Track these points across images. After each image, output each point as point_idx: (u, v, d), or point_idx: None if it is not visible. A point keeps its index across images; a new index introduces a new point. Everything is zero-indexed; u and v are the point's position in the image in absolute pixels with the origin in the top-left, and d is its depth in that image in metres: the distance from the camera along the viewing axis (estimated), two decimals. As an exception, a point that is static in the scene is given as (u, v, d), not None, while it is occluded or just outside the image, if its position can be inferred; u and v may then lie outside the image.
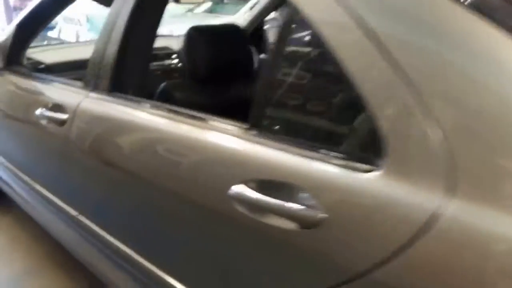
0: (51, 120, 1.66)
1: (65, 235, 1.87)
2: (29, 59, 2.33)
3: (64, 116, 1.58)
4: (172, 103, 1.38)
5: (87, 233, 1.61)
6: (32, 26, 2.17)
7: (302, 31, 0.99)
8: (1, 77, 2.16)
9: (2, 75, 2.16)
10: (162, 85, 1.63)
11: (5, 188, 2.43)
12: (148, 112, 1.34)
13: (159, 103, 1.36)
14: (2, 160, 2.29)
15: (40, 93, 1.87)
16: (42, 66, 2.32)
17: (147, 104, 1.37)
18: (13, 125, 2.09)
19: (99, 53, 1.55)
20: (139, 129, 1.34)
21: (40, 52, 2.54)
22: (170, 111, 1.27)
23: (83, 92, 1.58)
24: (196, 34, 1.60)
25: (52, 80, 1.89)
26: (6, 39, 2.16)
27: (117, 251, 1.46)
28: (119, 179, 1.41)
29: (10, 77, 2.12)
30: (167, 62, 2.68)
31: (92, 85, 1.55)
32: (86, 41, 5.03)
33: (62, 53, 2.72)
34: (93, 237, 1.58)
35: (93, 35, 7.76)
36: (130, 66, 1.50)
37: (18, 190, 2.22)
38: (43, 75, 2.02)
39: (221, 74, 1.63)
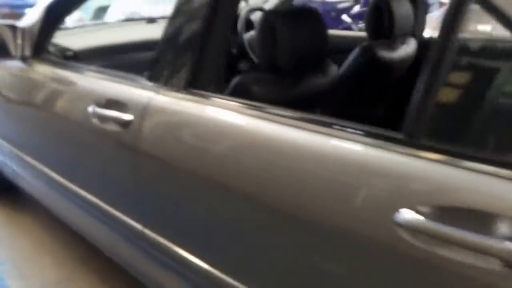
0: (109, 119, 1.44)
1: (122, 248, 1.66)
2: (54, 45, 2.09)
3: (128, 117, 1.37)
4: (249, 99, 1.20)
5: (155, 249, 1.42)
6: (62, 10, 1.93)
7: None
8: (29, 67, 1.91)
9: (30, 64, 1.91)
10: (236, 79, 1.43)
11: (26, 187, 2.21)
12: (245, 115, 1.15)
13: (255, 103, 1.16)
14: (23, 157, 2.05)
15: (85, 87, 1.65)
16: (70, 53, 2.08)
17: (241, 104, 1.18)
18: (49, 123, 1.85)
19: (172, 43, 1.34)
20: (241, 137, 1.14)
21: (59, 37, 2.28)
22: (274, 113, 1.09)
23: (150, 87, 1.37)
24: (277, 20, 1.38)
25: (95, 71, 1.67)
26: (33, 24, 1.91)
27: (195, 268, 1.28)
28: (204, 191, 1.21)
29: (41, 67, 1.88)
30: None
31: (163, 80, 1.35)
32: (101, 23, 4.66)
33: (83, 37, 2.47)
34: (171, 259, 1.38)
35: (84, 16, 7.39)
36: (212, 57, 1.29)
37: (45, 191, 2.01)
38: (82, 65, 1.79)
39: (303, 64, 1.43)
